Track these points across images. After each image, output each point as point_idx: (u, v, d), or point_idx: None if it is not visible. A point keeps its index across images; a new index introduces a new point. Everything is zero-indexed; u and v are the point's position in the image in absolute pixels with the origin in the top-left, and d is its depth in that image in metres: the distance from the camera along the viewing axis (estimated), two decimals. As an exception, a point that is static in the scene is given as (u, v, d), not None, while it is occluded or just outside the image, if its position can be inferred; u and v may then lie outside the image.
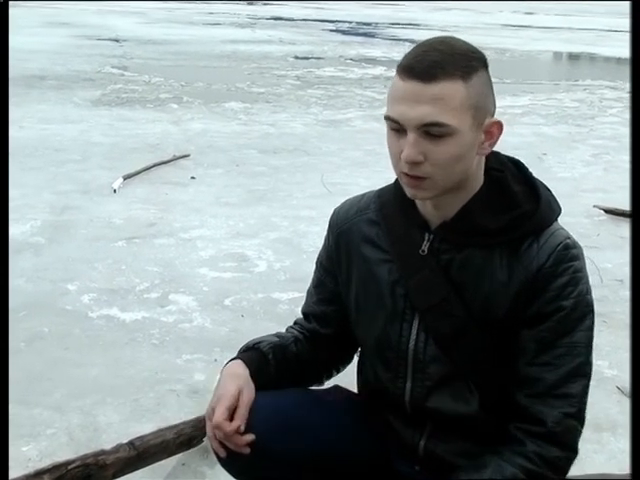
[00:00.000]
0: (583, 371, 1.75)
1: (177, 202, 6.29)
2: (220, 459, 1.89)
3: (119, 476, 2.62)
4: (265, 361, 1.95)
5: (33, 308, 4.13)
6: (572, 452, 1.75)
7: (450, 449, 1.88)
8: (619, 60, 19.81)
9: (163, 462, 2.79)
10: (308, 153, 8.40)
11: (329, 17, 32.53)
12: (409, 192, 1.74)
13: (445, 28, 28.95)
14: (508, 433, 1.75)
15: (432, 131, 1.63)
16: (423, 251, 1.81)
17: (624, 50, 15.32)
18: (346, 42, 22.54)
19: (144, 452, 2.68)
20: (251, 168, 7.63)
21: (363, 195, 2.00)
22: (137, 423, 3.08)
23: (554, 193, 1.85)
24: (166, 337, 3.90)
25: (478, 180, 1.78)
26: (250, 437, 1.81)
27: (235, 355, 1.99)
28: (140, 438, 2.71)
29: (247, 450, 1.81)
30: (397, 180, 1.88)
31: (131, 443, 2.68)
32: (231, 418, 1.81)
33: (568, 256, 1.73)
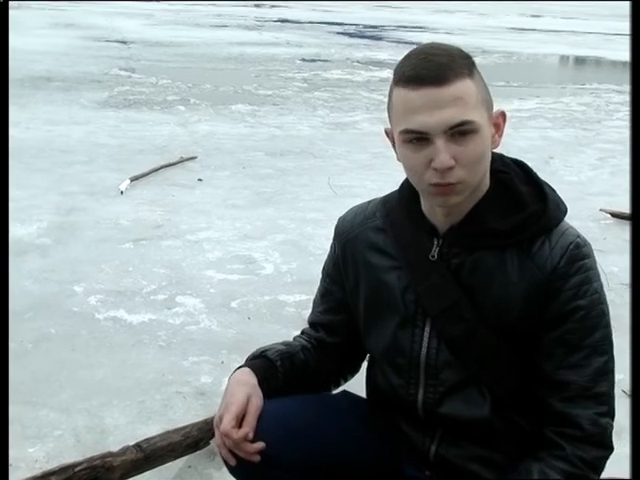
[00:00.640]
0: (609, 368, 1.79)
1: (184, 204, 6.30)
2: (229, 467, 1.88)
3: (126, 478, 2.62)
4: (273, 369, 1.95)
5: (40, 309, 4.14)
6: (609, 449, 1.80)
7: (461, 454, 1.87)
8: (625, 64, 19.75)
9: (170, 464, 2.79)
10: (315, 155, 8.40)
11: (336, 20, 32.49)
12: (439, 201, 1.73)
13: (451, 31, 28.92)
14: (545, 437, 1.76)
15: (460, 131, 1.64)
16: (433, 256, 1.80)
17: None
18: (353, 45, 22.52)
19: (151, 454, 2.68)
20: (258, 170, 7.64)
21: (368, 203, 2.00)
22: (144, 425, 3.09)
23: (560, 196, 1.85)
24: (173, 339, 3.90)
25: (485, 182, 1.78)
26: (259, 445, 1.80)
27: (243, 363, 1.99)
28: (147, 440, 2.72)
29: (257, 458, 1.80)
30: (402, 187, 1.89)
31: (138, 445, 2.68)
32: (240, 426, 1.80)
33: (580, 255, 1.74)
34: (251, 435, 1.80)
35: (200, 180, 7.11)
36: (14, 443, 2.59)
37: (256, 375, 1.90)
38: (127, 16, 29.03)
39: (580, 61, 22.80)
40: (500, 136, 1.76)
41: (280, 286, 4.65)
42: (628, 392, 3.41)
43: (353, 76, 15.60)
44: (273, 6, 40.61)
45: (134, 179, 6.81)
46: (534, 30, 32.05)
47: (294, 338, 2.12)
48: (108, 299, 4.33)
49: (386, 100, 1.78)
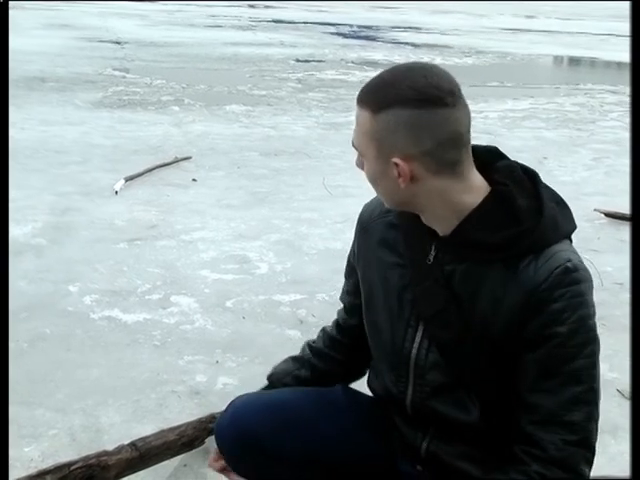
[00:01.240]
0: (586, 398, 1.70)
1: (178, 204, 6.31)
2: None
3: (121, 477, 2.63)
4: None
5: (35, 309, 4.14)
6: (577, 475, 1.71)
7: (452, 452, 1.89)
8: (620, 64, 19.81)
9: (165, 463, 2.80)
10: (309, 156, 8.41)
11: (330, 20, 32.47)
12: None
13: (445, 32, 28.96)
14: (514, 454, 1.74)
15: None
16: (429, 260, 1.81)
17: (624, 54, 15.33)
18: (347, 45, 22.52)
19: (146, 453, 2.69)
20: (252, 170, 7.64)
21: None
22: (139, 424, 3.10)
23: (571, 215, 1.79)
24: (168, 338, 3.91)
25: (469, 197, 1.72)
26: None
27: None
28: (142, 439, 2.73)
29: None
30: None
31: (133, 444, 2.69)
32: None
33: (566, 280, 1.66)
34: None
35: (194, 180, 7.12)
36: (10, 442, 2.59)
37: None
38: (121, 16, 28.99)
39: (574, 61, 22.85)
40: (404, 182, 1.70)
41: (275, 286, 4.66)
42: (622, 391, 3.44)
43: (347, 76, 15.60)
44: (267, 6, 40.56)
45: (129, 179, 6.81)
46: (528, 31, 32.09)
47: (302, 348, 2.24)
48: (103, 299, 4.34)
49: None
